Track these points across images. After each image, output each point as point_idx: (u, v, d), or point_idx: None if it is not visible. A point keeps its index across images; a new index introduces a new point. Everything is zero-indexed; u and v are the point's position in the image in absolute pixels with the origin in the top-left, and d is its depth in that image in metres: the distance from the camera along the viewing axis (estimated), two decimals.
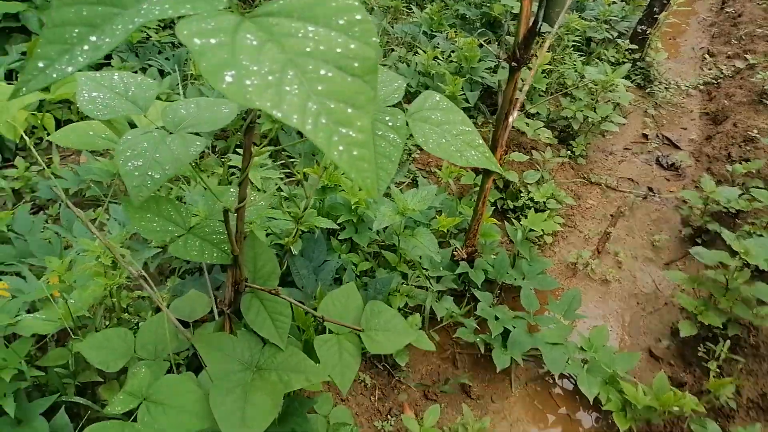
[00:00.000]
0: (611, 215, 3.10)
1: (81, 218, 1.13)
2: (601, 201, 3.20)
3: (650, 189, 3.32)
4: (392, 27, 4.44)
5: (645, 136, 3.80)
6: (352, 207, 2.24)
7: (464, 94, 3.55)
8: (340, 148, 0.49)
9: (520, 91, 2.57)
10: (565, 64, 3.56)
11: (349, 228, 2.26)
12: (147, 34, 3.83)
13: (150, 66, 3.69)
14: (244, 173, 0.95)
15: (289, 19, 0.54)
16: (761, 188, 2.91)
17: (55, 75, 0.50)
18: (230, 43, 0.49)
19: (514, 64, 2.05)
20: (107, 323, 1.55)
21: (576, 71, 3.41)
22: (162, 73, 3.73)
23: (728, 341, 2.17)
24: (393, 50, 4.19)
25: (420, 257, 2.29)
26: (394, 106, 0.95)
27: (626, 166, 3.52)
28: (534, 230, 2.56)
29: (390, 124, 0.87)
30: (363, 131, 0.51)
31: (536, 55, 2.66)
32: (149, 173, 0.82)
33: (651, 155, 3.62)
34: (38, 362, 1.53)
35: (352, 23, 0.55)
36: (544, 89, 3.32)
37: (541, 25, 2.73)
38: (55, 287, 1.57)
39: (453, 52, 3.89)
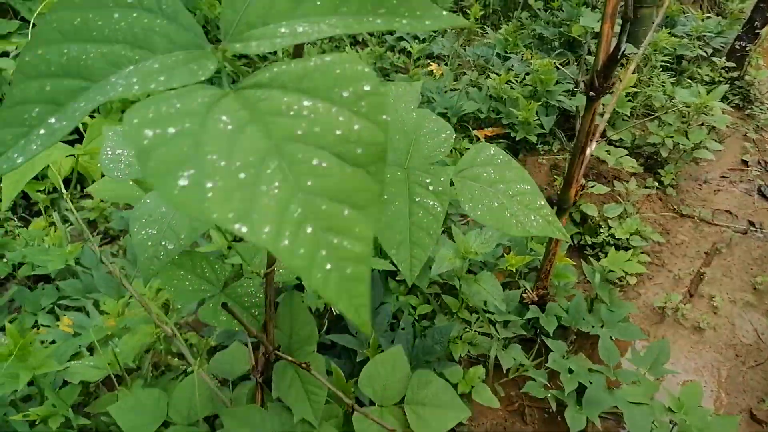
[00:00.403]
0: (705, 253, 2.78)
1: (110, 269, 1.09)
2: (693, 236, 2.89)
3: (751, 223, 2.95)
4: (464, 50, 4.32)
5: (745, 162, 3.42)
6: None
7: (539, 119, 3.35)
8: (328, 266, 0.38)
9: (601, 116, 2.36)
10: (652, 85, 3.28)
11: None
12: None
13: None
14: None
15: (282, 92, 0.43)
16: None
17: (5, 166, 0.43)
18: (197, 130, 0.39)
19: (592, 93, 1.86)
20: (154, 372, 1.52)
21: (665, 94, 3.12)
22: None
23: None
24: (465, 74, 4.07)
25: (485, 303, 2.12)
26: (437, 163, 0.83)
27: (723, 197, 3.17)
28: (614, 271, 2.32)
29: (431, 188, 0.75)
30: (363, 240, 0.39)
31: (620, 79, 2.45)
32: (162, 243, 0.75)
33: (752, 184, 3.24)
34: (86, 408, 1.51)
35: (359, 96, 0.43)
36: (628, 114, 3.06)
37: (626, 47, 2.52)
38: (111, 329, 1.56)
39: (528, 74, 3.71)
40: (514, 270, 2.35)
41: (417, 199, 0.73)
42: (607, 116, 2.29)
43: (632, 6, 3.30)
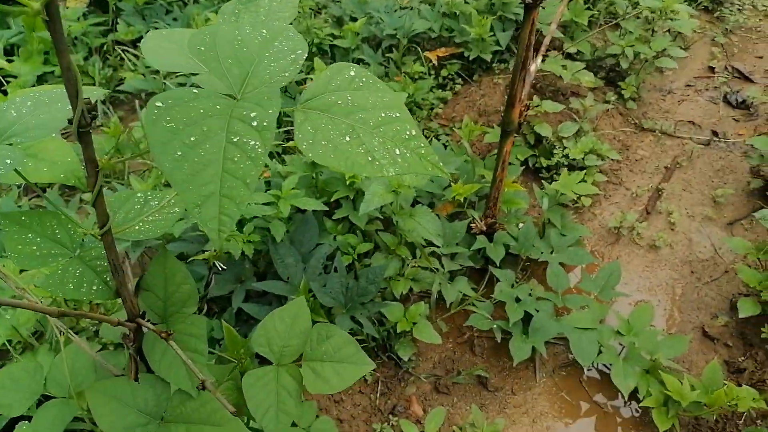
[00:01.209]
0: (666, 167, 2.68)
1: None
2: (654, 151, 2.78)
3: (714, 133, 2.84)
4: None
5: (711, 69, 3.26)
6: (347, 181, 1.98)
7: (494, 34, 3.13)
8: None
9: (540, 33, 2.17)
10: None
11: (346, 205, 2.01)
12: None
13: (156, 28, 3.48)
14: (96, 190, 0.72)
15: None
16: None
17: None
18: None
19: (528, 0, 1.67)
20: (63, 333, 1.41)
21: (626, 1, 2.90)
22: None
23: None
24: None
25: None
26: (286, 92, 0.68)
27: (687, 107, 3.04)
28: (566, 194, 2.22)
29: (255, 123, 0.60)
30: None
31: None
32: None
33: (718, 92, 3.10)
34: None
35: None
36: (586, 24, 2.86)
37: None
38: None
39: None
40: (462, 200, 2.24)
41: (235, 139, 0.59)
42: (553, 27, 2.11)
43: None
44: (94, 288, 0.87)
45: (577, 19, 2.83)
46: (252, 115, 0.62)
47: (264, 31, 0.78)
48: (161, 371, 0.90)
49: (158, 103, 0.60)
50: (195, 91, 0.64)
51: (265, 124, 0.60)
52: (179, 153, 0.58)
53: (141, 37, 3.42)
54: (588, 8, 2.92)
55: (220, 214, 0.56)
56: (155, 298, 0.96)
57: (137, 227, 0.90)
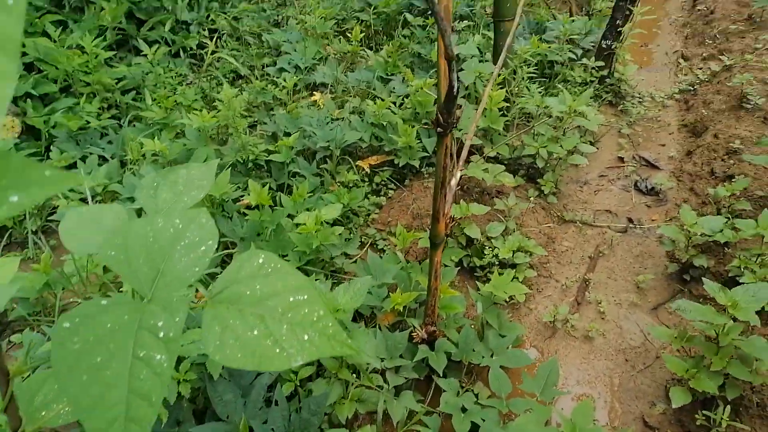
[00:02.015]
0: (589, 257, 2.84)
1: None
2: (577, 241, 2.95)
3: (630, 220, 3.06)
4: (346, 76, 4.27)
5: (621, 159, 3.56)
6: None
7: (421, 141, 3.33)
8: None
9: (454, 156, 2.34)
10: (523, 97, 3.34)
11: None
12: (87, 120, 3.67)
13: (90, 154, 3.51)
14: (7, 397, 0.72)
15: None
16: (749, 211, 2.65)
17: None
18: None
19: (439, 129, 1.83)
20: None
21: (536, 105, 3.18)
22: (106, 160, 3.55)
23: (728, 406, 1.89)
24: (348, 101, 4.01)
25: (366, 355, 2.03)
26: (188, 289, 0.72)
27: (603, 196, 3.27)
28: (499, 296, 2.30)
29: (162, 333, 0.64)
30: None
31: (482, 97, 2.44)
32: None
33: (629, 180, 3.37)
34: None
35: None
36: (502, 129, 3.09)
37: (459, 86, 2.50)
38: None
39: (408, 96, 3.70)
40: (402, 309, 2.29)
41: (141, 354, 0.62)
42: (470, 136, 2.28)
43: (494, 23, 3.30)
44: None
45: (494, 126, 3.07)
46: (159, 324, 0.65)
47: (177, 221, 0.83)
48: None
49: (66, 324, 0.63)
50: (104, 302, 0.67)
51: (171, 335, 0.64)
52: (85, 377, 0.60)
53: (75, 164, 3.45)
54: (503, 114, 3.17)
55: None
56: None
57: (56, 413, 0.89)
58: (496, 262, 2.61)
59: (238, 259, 0.79)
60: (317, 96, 4.07)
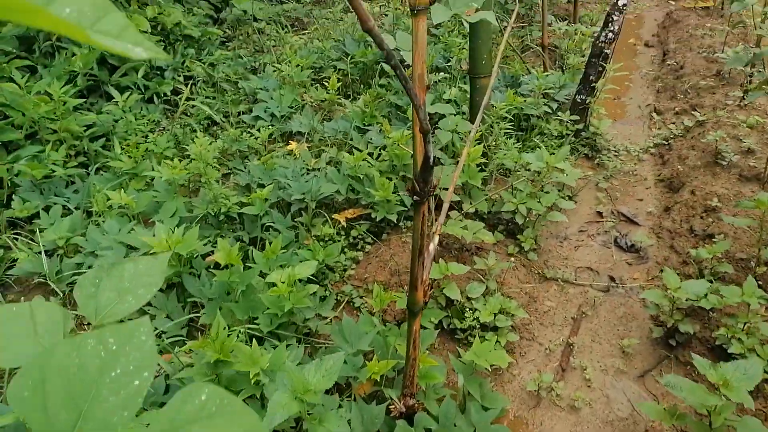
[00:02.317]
0: (572, 318, 2.75)
1: None
2: (560, 300, 2.86)
3: (612, 279, 3.00)
4: (323, 125, 4.21)
5: (600, 213, 3.53)
6: (252, 380, 1.86)
7: (398, 194, 3.25)
8: None
9: (432, 213, 2.26)
10: (501, 151, 3.31)
11: (253, 405, 1.87)
12: (52, 169, 3.52)
13: (54, 204, 3.35)
14: None
15: None
16: (732, 274, 2.61)
17: None
18: None
19: (416, 198, 1.75)
20: None
21: (513, 161, 3.15)
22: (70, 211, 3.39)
23: None
24: (324, 151, 3.94)
25: None
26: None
27: (583, 252, 3.22)
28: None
29: None
30: None
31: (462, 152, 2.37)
32: None
33: (609, 235, 3.32)
34: None
35: None
36: (480, 185, 3.04)
37: (434, 157, 2.44)
38: None
39: (385, 148, 3.64)
40: (379, 378, 2.16)
41: None
42: (449, 194, 2.20)
43: (470, 80, 3.29)
44: None
45: (472, 181, 3.01)
46: None
47: (111, 340, 0.71)
48: None
49: None
50: None
51: None
52: None
53: (38, 213, 3.28)
54: (481, 170, 3.12)
55: None
56: None
57: None
58: (477, 326, 2.50)
59: (176, 397, 0.66)
60: (293, 145, 4.00)
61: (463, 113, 4.02)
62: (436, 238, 2.03)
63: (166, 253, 0.97)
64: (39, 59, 4.24)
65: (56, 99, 3.66)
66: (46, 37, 4.25)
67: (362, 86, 5.13)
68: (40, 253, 2.98)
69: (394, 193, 3.17)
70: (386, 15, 6.37)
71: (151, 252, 2.55)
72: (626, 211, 3.50)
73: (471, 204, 3.04)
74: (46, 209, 3.30)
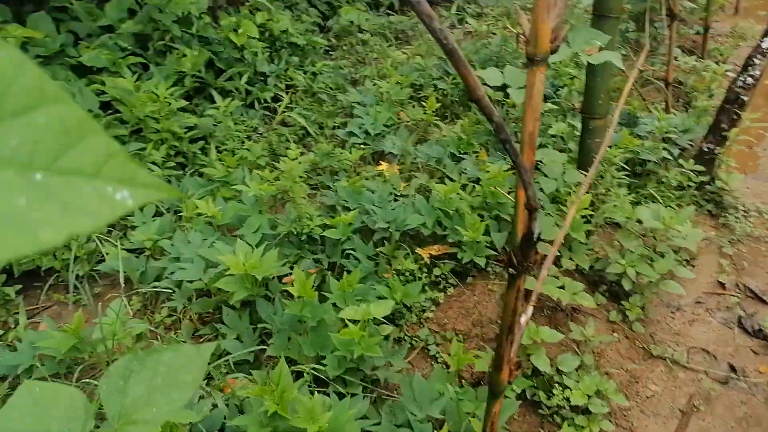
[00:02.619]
0: (681, 411, 2.36)
1: None
2: (667, 386, 2.48)
3: (732, 368, 2.56)
4: (416, 148, 4.02)
5: (721, 284, 3.07)
6: None
7: (489, 234, 2.99)
8: None
9: (525, 298, 1.99)
10: (609, 202, 2.96)
11: None
12: (151, 168, 3.58)
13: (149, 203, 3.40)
14: None
15: None
16: None
17: None
18: None
19: (512, 271, 1.50)
20: None
21: (624, 217, 2.79)
22: None
23: None
24: (415, 176, 3.75)
25: None
26: None
27: (699, 329, 2.79)
28: None
29: None
30: None
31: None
32: None
33: (731, 313, 2.87)
34: None
35: None
36: (583, 239, 2.71)
37: (539, 234, 2.17)
38: None
39: (478, 182, 3.38)
40: None
41: None
42: (553, 251, 1.93)
43: (583, 119, 2.96)
44: None
45: (575, 234, 2.69)
46: None
47: None
48: None
49: None
50: None
51: None
52: None
53: (132, 213, 3.33)
54: (586, 221, 2.80)
55: None
56: None
57: None
58: (566, 406, 2.20)
59: None
60: (384, 166, 3.83)
61: (570, 151, 3.68)
62: (530, 310, 1.76)
63: (210, 345, 0.81)
64: (152, 57, 4.38)
65: (161, 99, 3.74)
66: (159, 37, 4.39)
67: (461, 108, 4.90)
68: (127, 251, 3.01)
69: (484, 234, 2.92)
70: (494, 34, 6.09)
71: (228, 273, 2.47)
72: (754, 286, 3.02)
73: (571, 259, 2.72)
74: (141, 209, 3.35)
